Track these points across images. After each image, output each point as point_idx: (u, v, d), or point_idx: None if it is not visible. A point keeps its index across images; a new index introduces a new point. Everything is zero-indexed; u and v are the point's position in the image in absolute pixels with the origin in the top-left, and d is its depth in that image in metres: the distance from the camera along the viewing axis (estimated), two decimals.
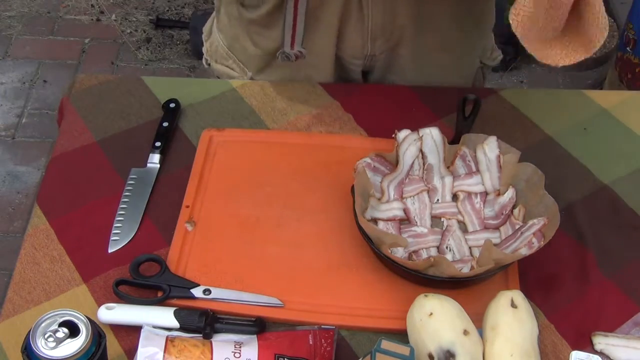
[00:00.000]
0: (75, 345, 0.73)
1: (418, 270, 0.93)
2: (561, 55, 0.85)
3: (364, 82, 1.29)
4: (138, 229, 1.02)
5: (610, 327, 0.93)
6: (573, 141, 1.15)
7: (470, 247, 1.00)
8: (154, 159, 1.10)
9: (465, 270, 0.95)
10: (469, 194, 1.05)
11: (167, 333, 0.87)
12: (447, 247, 1.00)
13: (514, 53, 2.65)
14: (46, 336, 0.73)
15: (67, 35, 2.82)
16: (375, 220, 1.02)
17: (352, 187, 0.99)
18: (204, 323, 0.89)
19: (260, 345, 0.86)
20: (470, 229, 1.02)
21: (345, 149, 1.11)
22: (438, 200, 1.05)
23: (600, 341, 0.91)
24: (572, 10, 0.82)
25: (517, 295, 0.87)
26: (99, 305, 0.91)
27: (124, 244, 1.00)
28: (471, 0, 1.20)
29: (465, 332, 0.84)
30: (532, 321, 0.87)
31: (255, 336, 0.88)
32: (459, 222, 1.03)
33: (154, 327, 0.88)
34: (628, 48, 2.33)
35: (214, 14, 1.30)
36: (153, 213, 1.04)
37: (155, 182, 1.08)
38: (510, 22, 0.80)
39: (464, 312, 0.87)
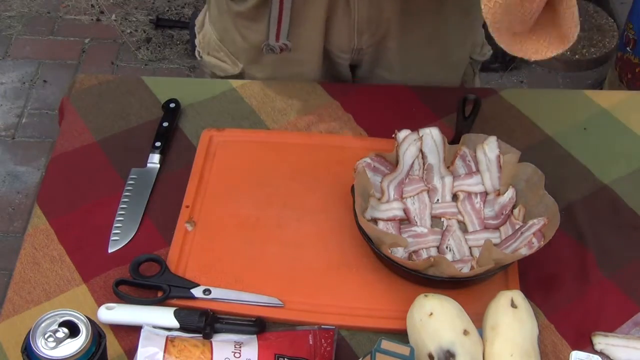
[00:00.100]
0: (75, 345, 0.73)
1: (418, 270, 0.93)
2: (531, 51, 0.85)
3: (353, 76, 1.29)
4: (138, 229, 1.02)
5: (610, 327, 0.93)
6: (573, 141, 1.15)
7: (470, 247, 1.00)
8: (154, 159, 1.10)
9: (465, 270, 0.95)
10: (469, 194, 1.05)
11: (167, 333, 0.87)
12: (447, 247, 1.00)
13: None
14: (46, 336, 0.73)
15: (67, 35, 2.82)
16: (375, 220, 1.02)
17: (352, 187, 0.99)
18: (204, 323, 0.89)
19: (260, 345, 0.86)
20: (470, 229, 1.02)
21: (345, 149, 1.11)
22: (438, 200, 1.05)
23: (600, 341, 0.91)
24: (546, 5, 0.82)
25: (517, 295, 0.87)
26: (99, 305, 0.91)
27: (124, 244, 1.00)
28: None
29: (465, 332, 0.84)
30: (532, 321, 0.87)
31: (255, 336, 0.88)
32: (459, 222, 1.03)
33: (154, 327, 0.88)
34: (628, 48, 2.33)
35: (206, 6, 1.31)
36: (153, 213, 1.04)
37: (155, 182, 1.08)
38: (482, 6, 0.79)
39: (464, 312, 0.87)
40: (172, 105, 1.16)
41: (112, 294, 0.93)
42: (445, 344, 0.83)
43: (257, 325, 0.89)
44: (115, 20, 2.88)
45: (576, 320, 0.94)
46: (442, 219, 1.04)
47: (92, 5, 2.94)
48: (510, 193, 1.02)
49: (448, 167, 1.06)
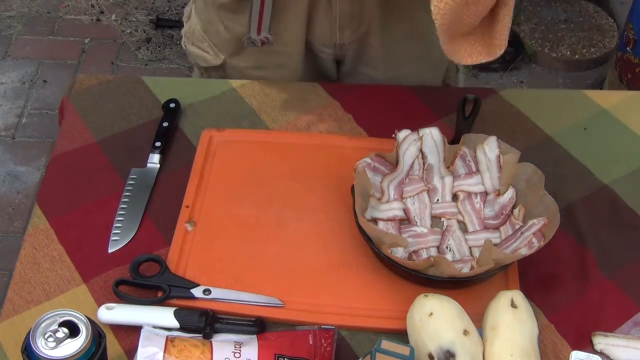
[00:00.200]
0: (75, 345, 0.73)
1: (418, 270, 0.93)
2: (465, 54, 0.88)
3: (337, 72, 1.30)
4: (138, 229, 1.02)
5: (610, 327, 0.93)
6: (573, 141, 1.15)
7: (470, 247, 1.00)
8: (154, 159, 1.10)
9: (465, 270, 0.95)
10: (469, 194, 1.05)
11: (167, 333, 0.87)
12: (447, 247, 1.00)
13: (514, 53, 2.65)
14: (46, 336, 0.73)
15: (67, 35, 2.82)
16: (375, 220, 1.02)
17: (352, 187, 0.99)
18: (204, 323, 0.89)
19: (260, 345, 0.86)
20: (470, 229, 1.02)
21: (345, 149, 1.11)
22: (438, 200, 1.05)
23: (600, 341, 0.91)
24: (486, 15, 0.84)
25: (517, 295, 0.87)
26: (99, 305, 0.91)
27: (124, 244, 1.00)
28: None
29: (465, 332, 0.84)
30: (532, 321, 0.87)
31: (255, 336, 0.88)
32: (459, 222, 1.03)
33: (154, 327, 0.88)
34: (628, 48, 2.33)
35: None
36: (153, 213, 1.04)
37: (155, 182, 1.08)
38: (432, 7, 0.82)
39: (464, 312, 0.87)
40: (172, 105, 1.16)
41: (112, 294, 0.93)
42: (445, 344, 0.83)
43: (257, 325, 0.89)
44: (115, 20, 2.88)
45: (576, 320, 0.94)
46: (442, 219, 1.04)
47: (92, 5, 2.94)
48: (510, 193, 1.02)
49: (448, 167, 1.06)
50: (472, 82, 2.63)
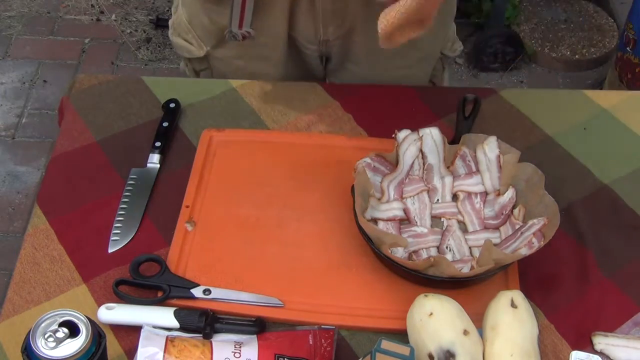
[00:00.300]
0: (75, 345, 0.73)
1: (418, 270, 0.93)
2: (397, 35, 0.88)
3: (324, 69, 1.31)
4: (138, 229, 1.02)
5: (610, 327, 0.93)
6: (573, 141, 1.15)
7: (470, 247, 1.00)
8: (154, 159, 1.10)
9: (465, 270, 0.95)
10: (469, 194, 1.05)
11: (167, 333, 0.87)
12: (447, 247, 1.00)
13: (514, 53, 2.65)
14: (46, 336, 0.73)
15: (67, 35, 2.82)
16: (375, 220, 1.02)
17: (352, 187, 0.99)
18: (204, 323, 0.89)
19: (260, 345, 0.86)
20: (470, 229, 1.02)
21: (345, 149, 1.11)
22: (438, 200, 1.05)
23: (600, 341, 0.91)
24: None
25: (517, 295, 0.87)
26: (99, 305, 0.91)
27: (124, 244, 1.00)
28: None
29: (465, 332, 0.84)
30: (532, 321, 0.87)
31: (255, 336, 0.88)
32: (459, 222, 1.03)
33: (154, 327, 0.88)
34: (628, 48, 2.33)
35: None
36: (153, 213, 1.04)
37: (155, 182, 1.08)
38: (382, 18, 0.84)
39: (464, 312, 0.87)
40: (172, 105, 1.17)
41: (112, 294, 0.93)
42: (445, 344, 0.83)
43: (257, 325, 0.89)
44: (115, 20, 2.88)
45: (576, 320, 0.94)
46: (442, 219, 1.04)
47: (92, 5, 2.94)
48: (510, 193, 1.02)
49: (448, 167, 1.06)
50: (472, 82, 2.63)
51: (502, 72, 2.68)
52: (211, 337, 0.88)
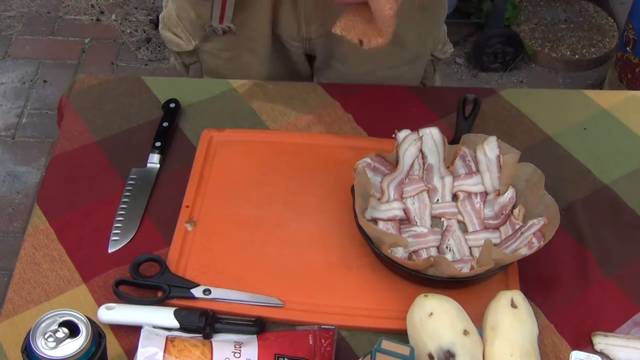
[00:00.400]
0: (75, 345, 0.73)
1: (418, 270, 0.93)
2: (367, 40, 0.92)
3: (310, 67, 1.31)
4: (138, 229, 1.02)
5: (610, 327, 0.93)
6: (573, 141, 1.15)
7: (470, 247, 1.00)
8: (154, 159, 1.10)
9: (465, 270, 0.95)
10: (469, 194, 1.05)
11: (167, 333, 0.87)
12: (447, 247, 1.00)
13: (514, 53, 2.65)
14: (46, 336, 0.73)
15: (67, 35, 2.82)
16: (375, 220, 1.02)
17: (352, 187, 0.99)
18: (204, 323, 0.89)
19: (260, 345, 0.86)
20: (470, 229, 1.02)
21: (345, 149, 1.11)
22: (438, 200, 1.05)
23: (600, 341, 0.91)
24: None
25: (517, 295, 0.87)
26: (99, 305, 0.91)
27: (124, 244, 1.00)
28: None
29: (465, 332, 0.84)
30: (532, 321, 0.87)
31: (255, 336, 0.88)
32: (459, 222, 1.03)
33: (154, 327, 0.88)
34: (628, 48, 2.33)
35: None
36: (153, 213, 1.04)
37: (155, 182, 1.08)
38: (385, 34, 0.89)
39: (464, 312, 0.87)
40: (172, 105, 1.17)
41: (112, 294, 0.93)
42: (445, 344, 0.83)
43: (257, 325, 0.89)
44: (115, 20, 2.88)
45: (576, 320, 0.94)
46: (442, 219, 1.04)
47: (92, 5, 2.94)
48: (510, 193, 1.02)
49: (448, 167, 1.06)
50: (472, 82, 2.63)
51: (502, 72, 2.68)
52: (211, 337, 0.88)
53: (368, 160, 1.03)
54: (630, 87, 2.35)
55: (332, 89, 1.22)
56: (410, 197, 1.05)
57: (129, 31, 2.84)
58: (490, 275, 0.94)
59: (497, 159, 1.03)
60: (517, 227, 0.99)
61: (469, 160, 1.06)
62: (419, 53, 1.29)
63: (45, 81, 2.64)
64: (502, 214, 1.02)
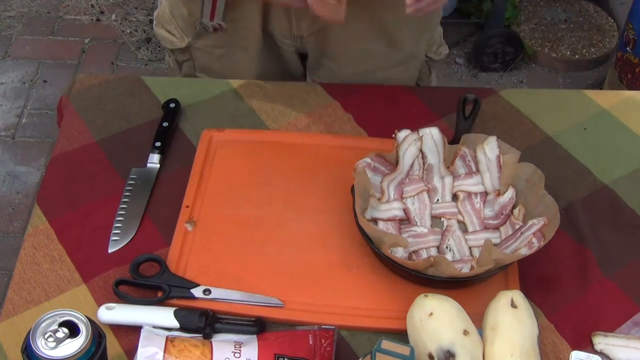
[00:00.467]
0: (75, 345, 0.73)
1: (418, 270, 0.93)
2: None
3: (303, 66, 1.31)
4: (138, 229, 1.02)
5: (610, 327, 0.93)
6: (573, 141, 1.15)
7: (470, 247, 1.00)
8: (154, 159, 1.10)
9: (465, 270, 0.95)
10: (469, 194, 1.05)
11: (167, 333, 0.87)
12: (447, 247, 1.00)
13: (514, 53, 2.65)
14: (46, 336, 0.73)
15: (67, 35, 2.82)
16: (375, 220, 1.02)
17: (352, 187, 0.99)
18: (204, 323, 0.89)
19: (260, 345, 0.86)
20: (470, 229, 1.02)
21: (345, 149, 1.11)
22: (438, 200, 1.05)
23: (600, 341, 0.91)
24: None
25: (517, 295, 0.87)
26: (99, 305, 0.91)
27: (124, 244, 1.00)
28: None
29: (465, 332, 0.84)
30: (532, 321, 0.87)
31: (255, 336, 0.88)
32: (459, 222, 1.03)
33: (154, 327, 0.88)
34: (628, 48, 2.33)
35: None
36: (153, 213, 1.04)
37: (155, 182, 1.08)
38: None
39: (464, 312, 0.87)
40: (172, 105, 1.17)
41: (112, 294, 0.93)
42: (445, 344, 0.83)
43: (257, 325, 0.89)
44: (115, 20, 2.88)
45: (576, 320, 0.94)
46: (442, 219, 1.04)
47: (92, 5, 2.94)
48: (510, 193, 1.02)
49: (448, 167, 1.06)
50: (472, 82, 2.63)
51: (502, 72, 2.68)
52: (211, 337, 0.88)
53: (368, 160, 1.03)
54: (630, 87, 2.35)
55: (332, 89, 1.22)
56: (410, 197, 1.05)
57: (129, 31, 2.84)
58: (490, 275, 0.94)
59: (497, 159, 1.03)
60: (517, 227, 0.99)
61: (469, 160, 1.05)
62: (413, 54, 1.29)
63: (45, 81, 2.64)
64: (502, 214, 1.02)
